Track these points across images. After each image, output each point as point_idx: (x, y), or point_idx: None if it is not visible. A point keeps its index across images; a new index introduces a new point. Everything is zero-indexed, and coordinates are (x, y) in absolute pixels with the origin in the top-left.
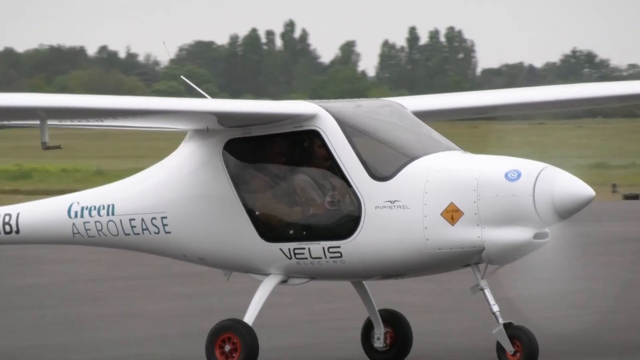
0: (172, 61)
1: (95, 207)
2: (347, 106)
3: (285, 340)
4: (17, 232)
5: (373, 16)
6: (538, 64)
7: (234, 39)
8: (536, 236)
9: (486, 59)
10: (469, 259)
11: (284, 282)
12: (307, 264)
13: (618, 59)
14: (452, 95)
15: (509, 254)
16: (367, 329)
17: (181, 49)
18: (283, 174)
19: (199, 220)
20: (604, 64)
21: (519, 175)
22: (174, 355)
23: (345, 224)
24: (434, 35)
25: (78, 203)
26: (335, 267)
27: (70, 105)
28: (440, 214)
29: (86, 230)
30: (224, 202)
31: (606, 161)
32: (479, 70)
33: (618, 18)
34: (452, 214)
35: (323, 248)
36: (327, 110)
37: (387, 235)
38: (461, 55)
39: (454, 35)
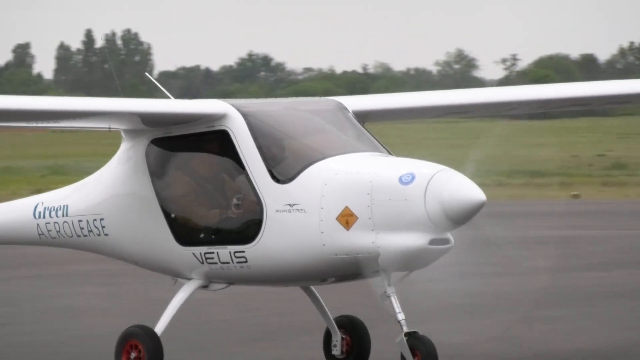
0: None
1: (54, 207)
2: (264, 105)
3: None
4: None
5: (48, 18)
6: (215, 67)
7: None
8: (433, 242)
9: (163, 62)
10: (368, 265)
11: (204, 287)
12: (217, 268)
13: (293, 63)
14: (403, 95)
15: (405, 261)
16: (327, 337)
17: None
18: (195, 175)
19: (128, 223)
20: (279, 67)
21: (413, 178)
22: None
23: (249, 228)
24: (110, 37)
25: (42, 203)
26: (243, 273)
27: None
28: (336, 219)
29: (48, 231)
30: (147, 204)
31: None
32: (156, 73)
33: (293, 24)
34: (347, 219)
35: (230, 252)
36: (238, 110)
37: (287, 240)
38: (138, 58)
39: (130, 38)
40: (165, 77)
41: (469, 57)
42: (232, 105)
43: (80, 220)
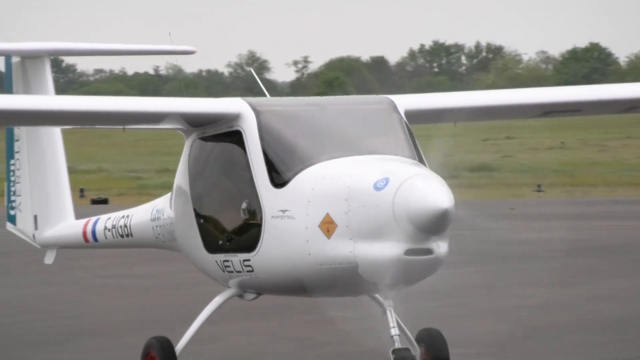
0: None
1: (158, 210)
2: (286, 104)
3: None
4: (130, 235)
5: None
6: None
7: None
8: (409, 252)
9: None
10: (351, 276)
11: (239, 296)
12: (235, 277)
13: (84, 65)
14: (456, 94)
15: (382, 272)
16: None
17: None
18: (214, 178)
19: (183, 226)
20: (70, 68)
21: (386, 184)
22: None
23: (253, 234)
24: None
25: (156, 205)
26: (253, 282)
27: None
28: (318, 226)
29: (158, 234)
30: (189, 209)
31: (74, 166)
32: None
33: (83, 25)
34: (328, 226)
35: (240, 261)
36: (254, 109)
37: (281, 248)
38: None
39: None
40: None
41: (261, 59)
42: (250, 104)
43: (165, 224)
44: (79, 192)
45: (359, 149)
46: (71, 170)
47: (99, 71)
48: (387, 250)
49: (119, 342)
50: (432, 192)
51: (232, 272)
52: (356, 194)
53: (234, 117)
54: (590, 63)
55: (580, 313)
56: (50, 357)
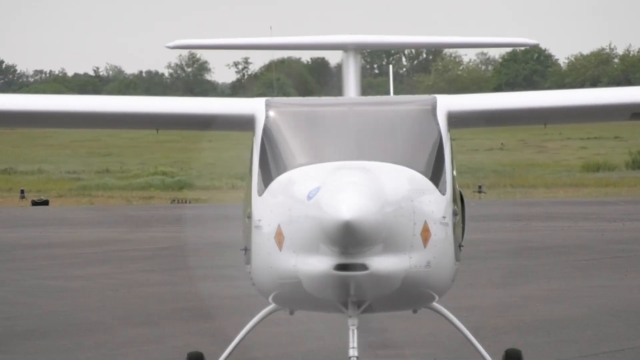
0: None
1: None
2: (305, 104)
3: None
4: None
5: None
6: None
7: None
8: (339, 267)
9: None
10: (303, 291)
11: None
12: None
13: (23, 65)
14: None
15: (319, 288)
16: None
17: None
18: (246, 183)
19: None
20: (10, 69)
21: (316, 193)
22: None
23: (248, 246)
24: None
25: None
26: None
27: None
28: (274, 238)
29: None
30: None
31: (13, 167)
32: None
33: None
34: (279, 238)
35: (248, 273)
36: (268, 110)
37: (257, 261)
38: None
39: None
40: None
41: (201, 60)
42: (268, 104)
43: None
44: (19, 194)
45: (340, 155)
46: (11, 171)
47: (38, 72)
48: (318, 264)
49: (54, 343)
50: (336, 202)
51: (254, 284)
52: (294, 203)
53: (249, 119)
54: (530, 65)
55: (516, 314)
56: None
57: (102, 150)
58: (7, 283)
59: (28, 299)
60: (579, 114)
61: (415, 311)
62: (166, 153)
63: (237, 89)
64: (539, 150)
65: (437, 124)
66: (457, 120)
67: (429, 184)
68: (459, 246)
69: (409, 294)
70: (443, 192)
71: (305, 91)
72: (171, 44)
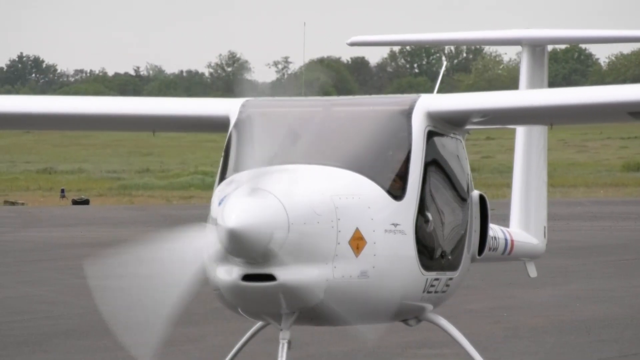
0: None
1: None
2: (279, 105)
3: None
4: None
5: None
6: None
7: None
8: (246, 278)
9: None
10: (229, 303)
11: None
12: None
13: (64, 65)
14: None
15: (234, 299)
16: None
17: None
18: None
19: None
20: (51, 69)
21: (225, 199)
22: None
23: None
24: None
25: None
26: None
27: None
28: (208, 246)
29: None
30: None
31: (53, 166)
32: None
33: (65, 25)
34: (209, 247)
35: None
36: (241, 111)
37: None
38: None
39: None
40: None
41: (242, 59)
42: (244, 105)
43: None
44: (60, 193)
45: (284, 159)
46: (51, 171)
47: (79, 71)
48: (227, 275)
49: (94, 343)
50: (230, 210)
51: None
52: (212, 211)
53: (225, 121)
54: (570, 64)
55: (556, 313)
56: (28, 357)
57: (142, 150)
58: (48, 282)
59: (69, 299)
60: (573, 113)
61: (410, 325)
62: (206, 152)
63: (277, 89)
64: (579, 150)
65: (409, 125)
66: (444, 118)
67: (375, 189)
68: (462, 251)
69: (355, 305)
70: (399, 198)
71: (345, 90)
72: (350, 40)
